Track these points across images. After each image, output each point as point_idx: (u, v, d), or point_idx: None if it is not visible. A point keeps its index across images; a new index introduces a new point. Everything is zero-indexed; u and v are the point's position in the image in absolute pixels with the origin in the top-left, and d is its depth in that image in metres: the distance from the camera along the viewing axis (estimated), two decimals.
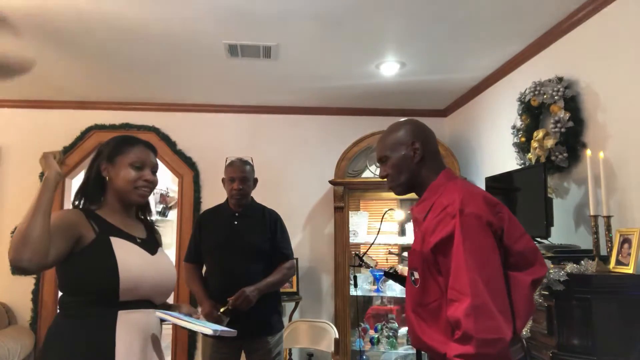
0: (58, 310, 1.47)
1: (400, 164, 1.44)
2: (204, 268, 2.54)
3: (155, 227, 1.67)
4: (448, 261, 1.23)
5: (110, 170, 1.49)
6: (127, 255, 1.41)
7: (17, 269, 1.24)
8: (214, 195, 3.65)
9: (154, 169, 1.55)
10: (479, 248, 1.21)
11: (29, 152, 3.87)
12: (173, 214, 6.65)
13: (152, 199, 6.51)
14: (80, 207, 1.49)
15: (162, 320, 1.52)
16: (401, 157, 1.43)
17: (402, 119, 1.53)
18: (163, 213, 6.81)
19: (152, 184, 1.53)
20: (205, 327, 1.41)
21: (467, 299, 1.15)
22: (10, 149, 3.89)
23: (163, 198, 6.81)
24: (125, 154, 1.50)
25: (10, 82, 3.48)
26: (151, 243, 1.55)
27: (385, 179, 1.50)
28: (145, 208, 1.64)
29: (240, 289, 2.23)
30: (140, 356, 1.40)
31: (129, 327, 1.39)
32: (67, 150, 3.89)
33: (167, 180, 6.81)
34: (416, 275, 1.35)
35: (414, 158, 1.42)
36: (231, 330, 1.50)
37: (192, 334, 3.78)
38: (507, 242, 1.28)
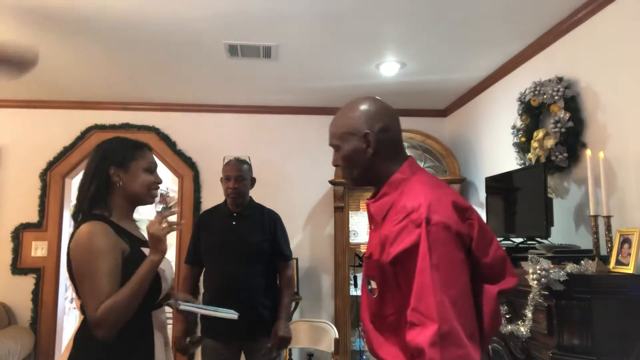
0: (82, 320, 1.45)
1: (351, 157, 1.25)
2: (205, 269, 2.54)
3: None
4: (410, 276, 1.07)
5: (123, 176, 1.51)
6: None
7: (100, 336, 1.32)
8: (214, 195, 3.65)
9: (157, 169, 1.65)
10: (447, 264, 1.06)
11: (29, 152, 3.87)
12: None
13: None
14: (98, 214, 1.48)
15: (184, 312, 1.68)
16: (352, 150, 1.24)
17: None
18: None
19: (160, 184, 1.62)
20: (229, 313, 1.62)
21: (433, 325, 1.00)
22: (10, 149, 3.89)
23: (163, 198, 6.81)
24: (137, 160, 1.54)
25: (10, 82, 3.48)
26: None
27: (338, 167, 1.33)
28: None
29: (273, 332, 2.35)
30: (165, 349, 1.53)
31: (157, 325, 1.50)
32: (68, 150, 3.89)
33: (167, 180, 6.82)
34: (373, 284, 1.20)
35: (366, 151, 1.22)
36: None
37: None
38: (477, 254, 1.13)
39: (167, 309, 1.66)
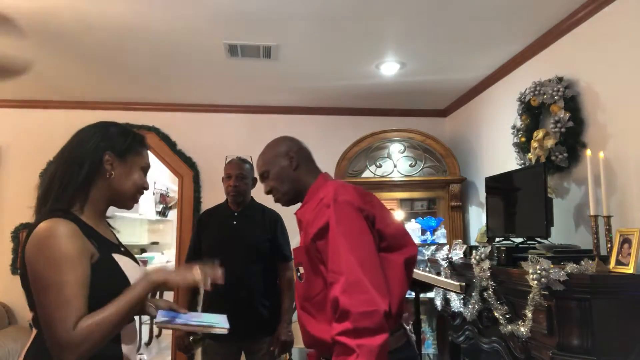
0: (35, 336, 1.18)
1: (280, 174, 1.54)
2: None
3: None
4: (327, 248, 1.30)
5: (117, 167, 1.27)
6: (131, 271, 1.27)
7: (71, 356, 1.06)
8: (214, 195, 3.65)
9: None
10: (352, 231, 1.29)
11: (29, 152, 3.87)
12: (173, 214, 6.66)
13: (153, 199, 6.52)
14: (63, 209, 1.21)
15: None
16: (280, 168, 1.54)
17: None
18: (163, 213, 6.81)
19: (147, 190, 1.41)
20: (222, 327, 1.30)
21: (342, 277, 1.21)
22: (10, 149, 3.89)
23: (163, 198, 6.81)
24: (139, 155, 1.34)
25: (10, 83, 3.48)
26: (126, 249, 1.40)
27: (271, 195, 1.58)
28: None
29: (276, 336, 2.36)
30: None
31: (127, 336, 1.28)
32: None
33: (167, 180, 6.82)
34: (301, 270, 1.40)
35: (291, 166, 1.53)
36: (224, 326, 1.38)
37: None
38: (380, 226, 1.36)
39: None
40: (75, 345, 1.06)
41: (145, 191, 1.38)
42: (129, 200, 1.33)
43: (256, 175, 2.58)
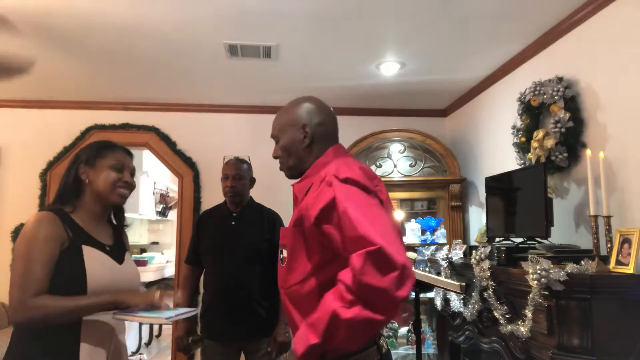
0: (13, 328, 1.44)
1: (288, 147, 1.37)
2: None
3: (125, 231, 1.71)
4: (335, 227, 1.12)
5: (90, 173, 1.52)
6: (96, 264, 1.44)
7: (18, 319, 1.32)
8: (214, 195, 3.66)
9: (132, 173, 1.61)
10: (364, 206, 1.11)
11: (29, 152, 3.87)
12: (173, 214, 6.66)
13: (153, 199, 6.52)
14: (56, 208, 1.48)
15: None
16: (290, 140, 1.37)
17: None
18: (163, 213, 6.82)
19: (131, 186, 1.58)
20: (160, 317, 1.42)
21: (366, 248, 1.01)
22: (10, 149, 3.89)
23: (163, 198, 6.82)
24: (105, 157, 1.54)
25: (10, 82, 3.48)
26: (119, 250, 1.58)
27: (278, 159, 1.43)
28: (120, 212, 1.68)
29: (273, 337, 2.36)
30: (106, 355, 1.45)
31: (94, 333, 1.42)
32: (68, 150, 3.89)
33: (167, 180, 6.83)
34: (284, 253, 1.28)
35: (302, 142, 1.35)
36: (189, 310, 1.54)
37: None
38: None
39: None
40: (28, 309, 1.30)
41: (124, 184, 1.55)
42: (109, 196, 1.53)
43: (257, 175, 2.60)
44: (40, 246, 1.35)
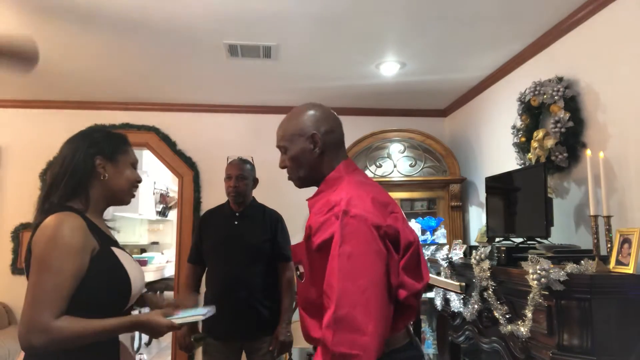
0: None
1: (299, 158, 1.32)
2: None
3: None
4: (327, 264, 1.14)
5: (109, 169, 1.38)
6: (132, 265, 1.37)
7: (34, 343, 1.13)
8: (214, 195, 3.66)
9: None
10: (359, 254, 1.10)
11: (29, 152, 3.87)
12: (173, 214, 6.67)
13: (153, 199, 6.52)
14: (75, 208, 1.32)
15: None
16: (299, 150, 1.32)
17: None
18: (163, 213, 6.82)
19: (140, 182, 1.53)
20: (197, 315, 1.42)
21: (332, 308, 1.06)
22: (10, 149, 3.89)
23: (163, 198, 6.82)
24: (126, 154, 1.45)
25: (10, 82, 3.48)
26: (122, 248, 1.49)
27: (285, 170, 1.40)
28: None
29: (275, 337, 2.36)
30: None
31: (125, 335, 1.37)
32: None
33: (167, 180, 6.83)
34: (301, 269, 1.26)
35: (313, 152, 1.31)
36: (208, 308, 1.52)
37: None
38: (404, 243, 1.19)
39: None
40: (50, 331, 1.13)
41: (138, 184, 1.48)
42: (126, 196, 1.44)
43: (257, 175, 2.60)
44: (73, 257, 1.20)
